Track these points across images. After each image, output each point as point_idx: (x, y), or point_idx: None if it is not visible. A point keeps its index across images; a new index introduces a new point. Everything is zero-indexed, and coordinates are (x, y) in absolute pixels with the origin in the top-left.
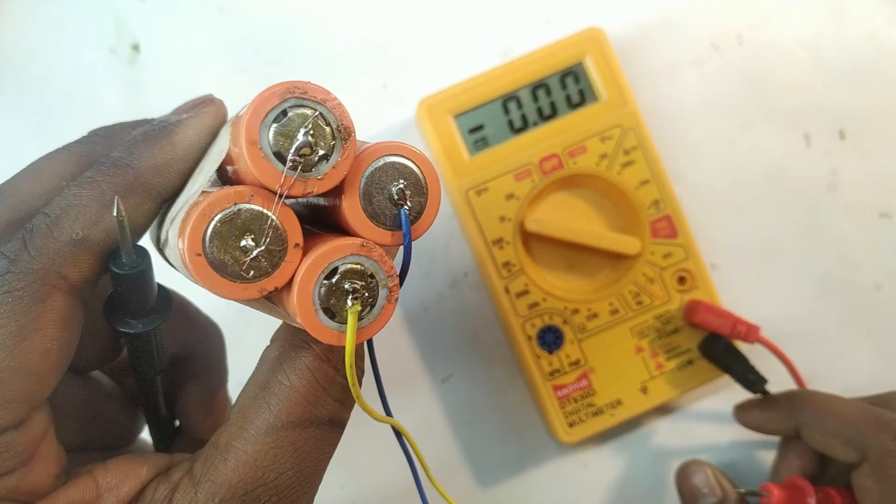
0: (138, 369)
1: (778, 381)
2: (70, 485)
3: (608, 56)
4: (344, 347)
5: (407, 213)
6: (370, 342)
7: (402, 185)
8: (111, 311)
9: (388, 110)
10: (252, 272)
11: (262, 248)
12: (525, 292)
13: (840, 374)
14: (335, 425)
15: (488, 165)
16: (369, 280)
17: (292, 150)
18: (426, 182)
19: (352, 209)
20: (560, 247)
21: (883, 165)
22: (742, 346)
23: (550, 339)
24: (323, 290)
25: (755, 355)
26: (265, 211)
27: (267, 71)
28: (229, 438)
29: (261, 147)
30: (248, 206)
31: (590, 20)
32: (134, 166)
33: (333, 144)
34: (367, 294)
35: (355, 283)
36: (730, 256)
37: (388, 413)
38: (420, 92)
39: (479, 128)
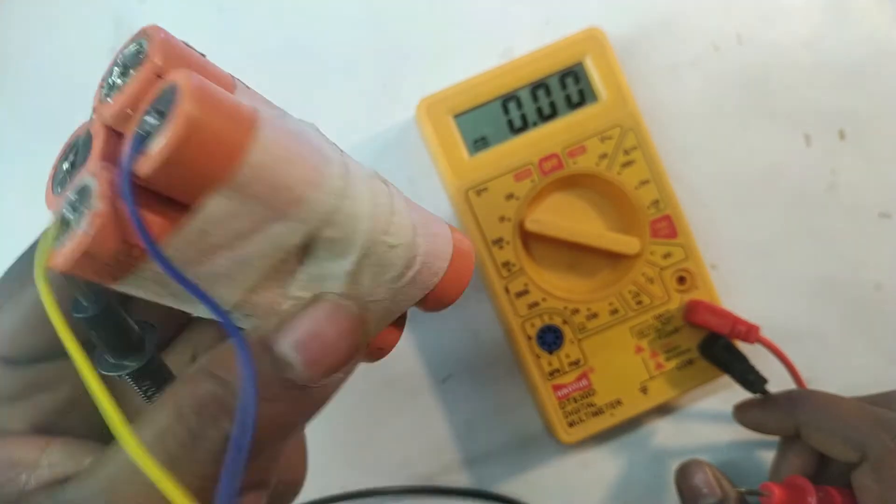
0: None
1: (778, 381)
2: (17, 440)
3: (608, 56)
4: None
5: (139, 138)
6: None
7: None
8: (92, 354)
9: (388, 110)
10: (60, 188)
11: (68, 163)
12: (525, 292)
13: (840, 374)
14: None
15: (488, 165)
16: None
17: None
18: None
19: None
20: (560, 247)
21: (883, 165)
22: (742, 346)
23: (550, 338)
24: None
25: (755, 355)
26: (87, 129)
27: (267, 71)
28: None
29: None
30: (87, 129)
31: (590, 20)
32: None
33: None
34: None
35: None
36: (730, 256)
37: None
38: (420, 92)
39: (479, 128)
